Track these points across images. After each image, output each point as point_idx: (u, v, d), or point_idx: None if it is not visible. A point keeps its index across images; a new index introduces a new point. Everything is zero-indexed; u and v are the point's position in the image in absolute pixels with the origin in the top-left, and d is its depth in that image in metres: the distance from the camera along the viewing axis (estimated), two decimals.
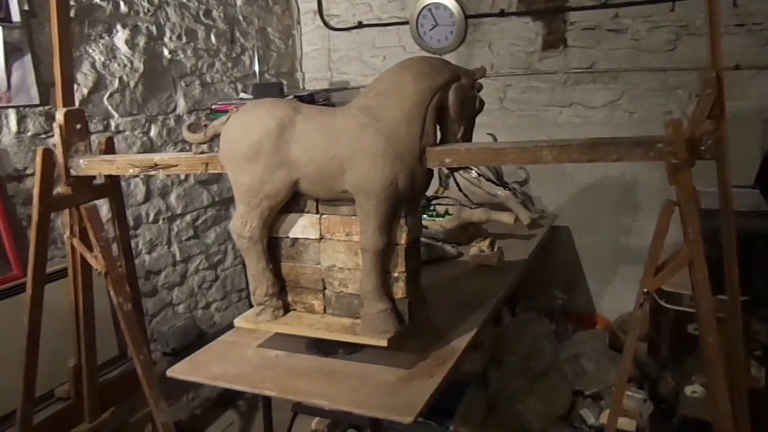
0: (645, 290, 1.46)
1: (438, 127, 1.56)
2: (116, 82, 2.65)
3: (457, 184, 2.93)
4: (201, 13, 3.11)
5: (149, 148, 2.82)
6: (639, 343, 2.81)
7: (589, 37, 3.25)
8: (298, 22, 3.87)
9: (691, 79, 3.05)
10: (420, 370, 1.60)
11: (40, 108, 2.32)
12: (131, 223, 2.74)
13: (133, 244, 2.74)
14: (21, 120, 2.27)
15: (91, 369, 2.06)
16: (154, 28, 2.83)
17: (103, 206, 2.25)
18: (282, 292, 1.72)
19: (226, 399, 3.07)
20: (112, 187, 2.01)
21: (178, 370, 1.70)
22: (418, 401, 1.45)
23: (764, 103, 2.95)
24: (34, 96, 2.29)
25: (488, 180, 2.92)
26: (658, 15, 3.09)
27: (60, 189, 1.86)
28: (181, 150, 2.90)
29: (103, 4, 2.58)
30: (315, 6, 3.76)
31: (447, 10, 3.40)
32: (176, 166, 1.74)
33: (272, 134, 1.54)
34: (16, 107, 2.25)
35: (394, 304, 1.59)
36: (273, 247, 1.69)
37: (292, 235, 1.67)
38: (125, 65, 2.70)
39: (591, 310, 3.49)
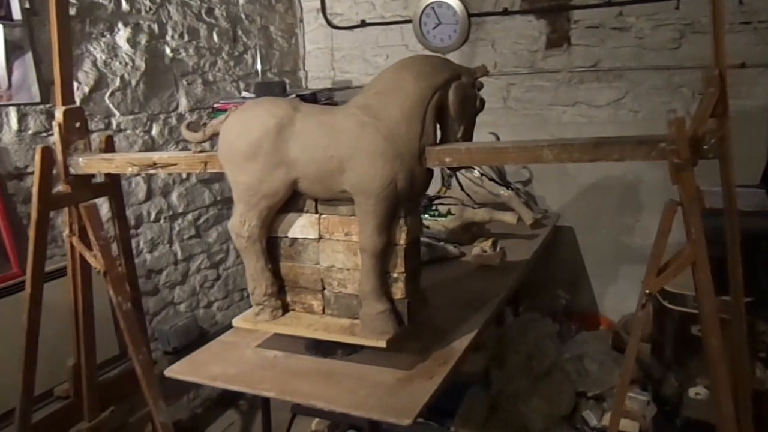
0: (647, 291, 1.44)
1: (438, 127, 1.55)
2: (118, 81, 2.65)
3: (460, 184, 2.91)
4: (203, 11, 3.10)
5: (151, 146, 2.82)
6: (642, 344, 2.79)
7: (593, 36, 3.22)
8: (301, 21, 3.86)
9: (696, 78, 3.02)
10: (420, 372, 1.59)
11: (41, 106, 2.31)
12: (132, 221, 2.74)
13: (134, 243, 2.74)
14: (22, 118, 2.26)
15: (91, 368, 2.05)
16: (156, 27, 2.82)
17: (104, 205, 2.24)
18: (281, 292, 1.70)
19: (227, 399, 3.06)
20: (112, 186, 2.00)
21: (177, 370, 1.70)
22: (417, 403, 1.44)
23: None
24: (35, 94, 2.29)
25: (491, 180, 2.90)
26: (662, 13, 3.06)
27: (60, 187, 1.86)
28: (183, 149, 2.89)
29: (105, 2, 2.58)
30: (318, 4, 3.75)
31: (450, 9, 3.38)
32: (175, 165, 1.74)
33: (271, 133, 1.53)
34: (17, 105, 2.24)
35: (393, 304, 1.58)
36: (272, 247, 1.67)
37: (291, 234, 1.66)
38: (127, 64, 2.69)
39: (594, 311, 3.47)
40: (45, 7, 2.21)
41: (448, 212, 2.65)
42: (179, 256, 3.01)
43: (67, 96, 1.82)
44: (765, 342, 2.36)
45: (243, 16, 3.39)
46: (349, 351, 1.68)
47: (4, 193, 2.21)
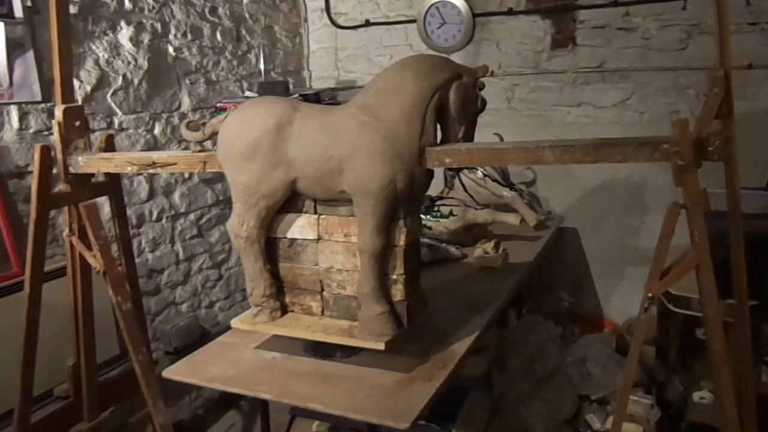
0: (650, 295, 1.42)
1: (439, 127, 1.53)
2: (120, 80, 2.64)
3: (463, 185, 2.90)
4: (206, 10, 3.09)
5: (153, 146, 2.81)
6: (647, 347, 2.77)
7: (599, 36, 3.20)
8: (305, 20, 3.85)
9: (703, 79, 3.00)
10: (419, 374, 1.58)
11: (42, 105, 2.31)
12: (134, 221, 2.74)
13: (136, 243, 2.74)
14: (23, 117, 2.26)
15: (90, 368, 2.05)
16: (159, 26, 2.82)
17: (105, 205, 2.23)
18: (279, 293, 1.69)
19: (229, 399, 3.05)
20: (112, 185, 1.99)
21: (175, 371, 1.69)
22: (416, 406, 1.42)
23: None
24: (37, 93, 2.28)
25: (494, 180, 2.89)
26: (669, 13, 3.03)
27: (60, 187, 1.85)
28: (186, 149, 2.88)
29: (108, 0, 2.57)
30: (322, 4, 3.73)
31: (455, 9, 3.36)
32: (174, 164, 1.73)
33: (270, 132, 1.52)
34: (18, 104, 2.24)
35: (392, 306, 1.56)
36: (271, 248, 1.66)
37: (290, 235, 1.64)
38: (129, 62, 2.68)
39: (598, 313, 3.44)
40: (46, 5, 2.20)
41: (450, 213, 2.63)
42: (181, 255, 3.00)
43: (67, 94, 1.82)
44: None
45: (247, 16, 3.38)
46: (348, 353, 1.66)
47: (5, 192, 2.21)
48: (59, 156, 1.80)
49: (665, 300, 2.46)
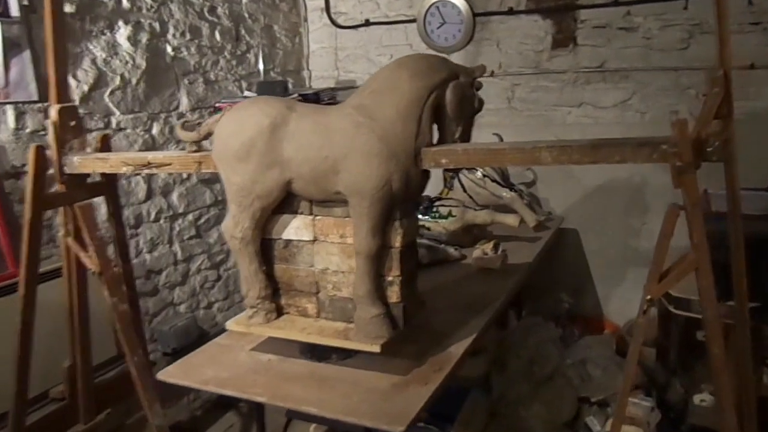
0: (648, 297, 1.41)
1: (436, 127, 1.52)
2: (118, 79, 2.63)
3: (462, 186, 2.88)
4: (205, 9, 3.08)
5: (151, 146, 2.80)
6: (647, 349, 2.75)
7: (600, 36, 3.18)
8: (305, 20, 3.84)
9: (704, 79, 2.97)
10: (415, 377, 1.56)
11: (39, 104, 2.30)
12: (132, 221, 2.72)
13: (134, 243, 2.73)
14: (19, 116, 2.25)
15: (86, 369, 2.04)
16: (157, 25, 2.81)
17: (101, 205, 2.22)
18: (275, 294, 1.68)
19: (227, 401, 3.03)
20: (108, 186, 1.98)
21: (169, 374, 1.67)
22: (411, 409, 1.41)
23: None
24: (33, 92, 2.27)
25: (493, 181, 2.87)
26: (670, 13, 3.01)
27: (56, 187, 1.84)
28: (183, 149, 2.87)
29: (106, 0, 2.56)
30: (322, 3, 3.72)
31: (455, 8, 3.34)
32: (169, 164, 1.72)
33: (265, 133, 1.51)
34: (14, 103, 2.23)
35: (388, 308, 1.55)
36: (266, 249, 1.65)
37: (285, 236, 1.63)
38: (127, 62, 2.67)
39: (598, 315, 3.42)
40: (43, 4, 2.20)
41: (449, 214, 2.62)
42: (179, 256, 2.99)
43: (62, 94, 1.81)
44: None
45: (246, 15, 3.37)
46: (343, 355, 1.65)
47: (1, 192, 2.20)
48: (54, 156, 1.79)
49: (666, 302, 2.44)
